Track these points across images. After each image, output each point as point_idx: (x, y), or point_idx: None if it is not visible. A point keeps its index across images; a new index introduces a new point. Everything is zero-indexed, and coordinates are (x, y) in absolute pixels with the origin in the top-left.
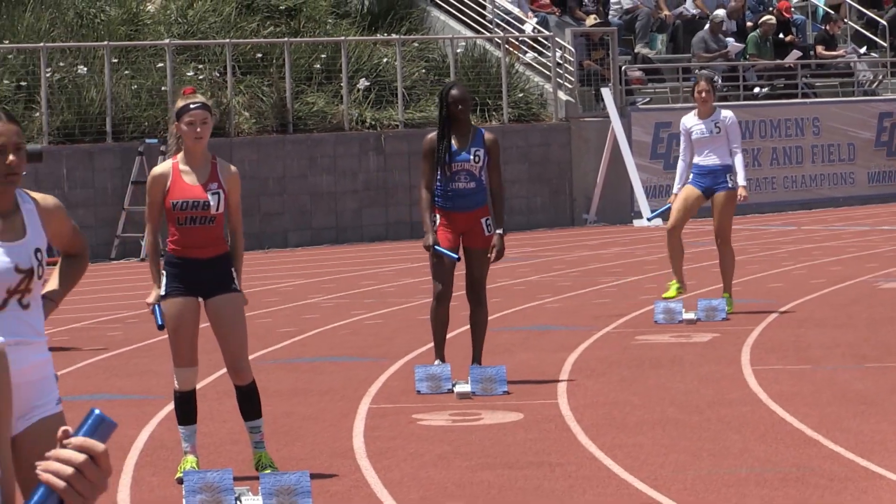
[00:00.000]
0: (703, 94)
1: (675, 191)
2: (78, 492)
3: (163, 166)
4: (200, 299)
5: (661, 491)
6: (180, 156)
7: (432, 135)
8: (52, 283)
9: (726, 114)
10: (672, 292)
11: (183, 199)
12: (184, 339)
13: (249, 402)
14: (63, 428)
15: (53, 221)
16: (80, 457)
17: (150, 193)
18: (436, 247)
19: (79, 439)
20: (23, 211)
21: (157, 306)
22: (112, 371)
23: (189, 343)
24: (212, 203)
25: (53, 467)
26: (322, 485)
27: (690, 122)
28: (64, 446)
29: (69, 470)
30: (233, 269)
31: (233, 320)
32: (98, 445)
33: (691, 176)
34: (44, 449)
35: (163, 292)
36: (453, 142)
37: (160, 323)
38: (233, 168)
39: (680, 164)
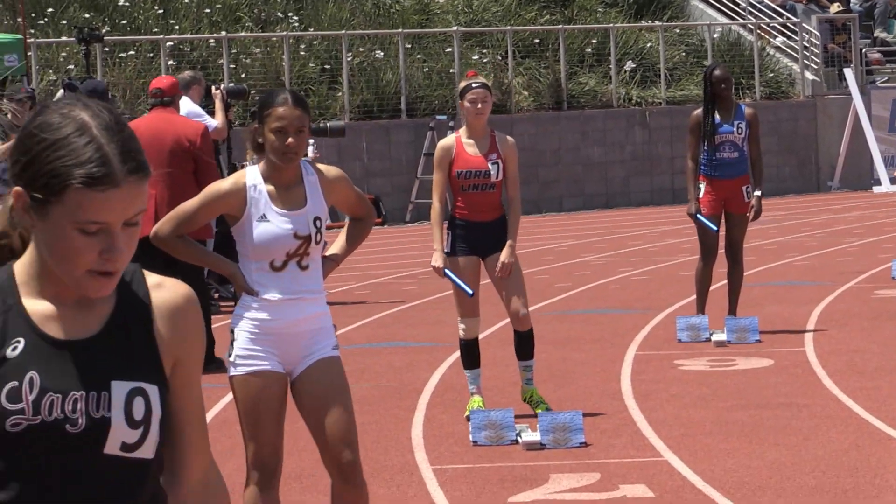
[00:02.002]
0: None
1: None
2: None
3: (447, 140)
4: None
5: None
6: (462, 130)
7: (698, 111)
8: (337, 244)
9: None
10: None
11: (466, 169)
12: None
13: (525, 344)
14: None
15: (335, 191)
16: None
17: (437, 165)
18: (698, 215)
19: None
20: (305, 183)
21: (452, 274)
22: (407, 321)
23: (472, 296)
24: (492, 171)
25: None
26: (593, 423)
27: None
28: None
29: None
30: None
31: (512, 276)
32: None
33: None
34: (321, 386)
35: (447, 250)
36: (717, 116)
37: (470, 292)
38: (510, 139)
39: None
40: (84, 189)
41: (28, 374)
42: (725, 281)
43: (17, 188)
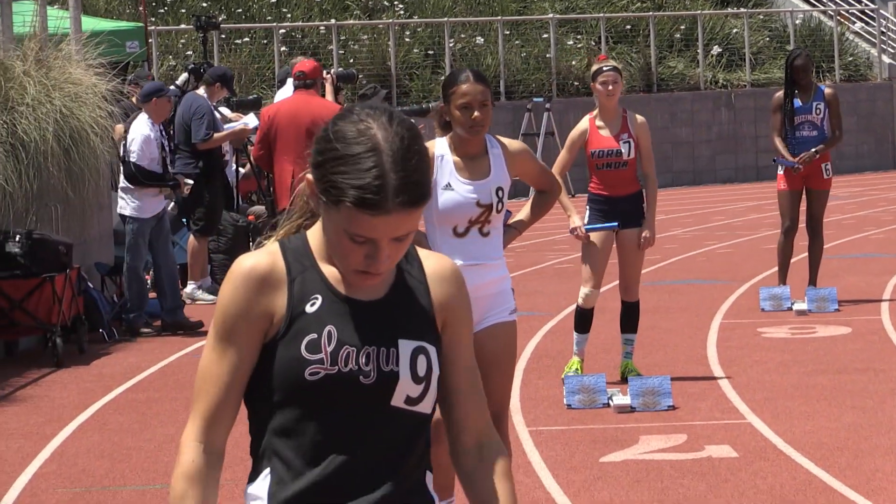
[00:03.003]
0: None
1: None
2: None
3: (582, 123)
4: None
5: None
6: (595, 112)
7: (780, 93)
8: (522, 214)
9: None
10: None
11: (600, 149)
12: (596, 264)
13: (631, 317)
14: None
15: (518, 163)
16: None
17: (568, 145)
18: (779, 160)
19: None
20: (490, 155)
21: (594, 225)
22: None
23: (600, 268)
24: (623, 150)
25: None
26: (680, 387)
27: None
28: None
29: None
30: (643, 206)
31: (636, 250)
32: None
33: None
34: (489, 350)
35: (585, 224)
36: (798, 98)
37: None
38: (640, 118)
39: None
40: (354, 209)
41: (326, 328)
42: (806, 253)
43: (310, 176)
